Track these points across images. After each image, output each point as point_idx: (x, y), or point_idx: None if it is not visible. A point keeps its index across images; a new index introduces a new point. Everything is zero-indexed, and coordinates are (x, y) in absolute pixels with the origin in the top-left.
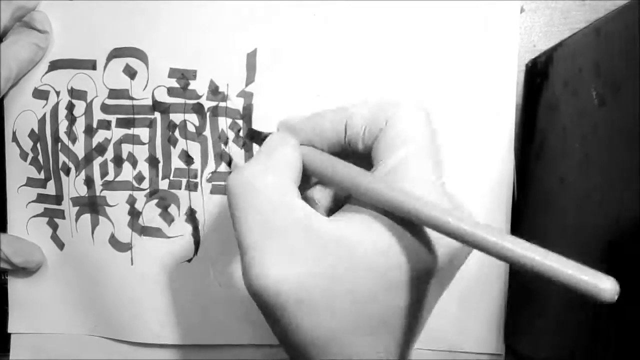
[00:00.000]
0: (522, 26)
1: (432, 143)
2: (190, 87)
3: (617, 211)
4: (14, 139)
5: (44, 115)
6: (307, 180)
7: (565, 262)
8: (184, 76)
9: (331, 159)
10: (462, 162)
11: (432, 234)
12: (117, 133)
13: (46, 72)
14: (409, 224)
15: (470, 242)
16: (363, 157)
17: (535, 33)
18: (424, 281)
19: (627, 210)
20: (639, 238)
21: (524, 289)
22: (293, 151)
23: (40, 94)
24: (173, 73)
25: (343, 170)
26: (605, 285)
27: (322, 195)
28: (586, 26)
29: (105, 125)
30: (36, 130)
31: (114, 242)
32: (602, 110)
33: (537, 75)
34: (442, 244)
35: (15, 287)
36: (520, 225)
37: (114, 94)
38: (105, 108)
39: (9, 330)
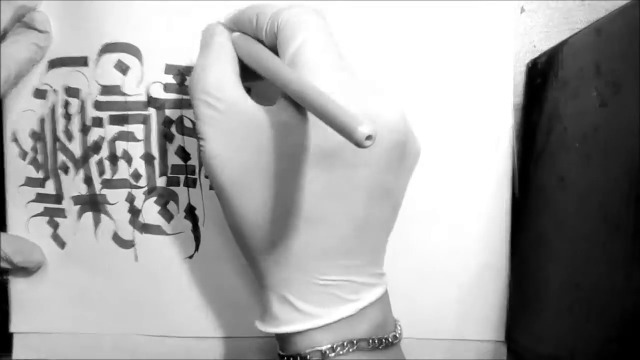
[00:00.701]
0: (522, 26)
1: (319, 33)
2: (186, 83)
3: (616, 211)
4: (14, 138)
5: (44, 114)
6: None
7: (333, 104)
8: (181, 72)
9: (255, 46)
10: (461, 163)
11: None
12: (110, 130)
13: (45, 72)
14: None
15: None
16: None
17: (536, 33)
18: (327, 164)
19: (626, 209)
20: (638, 238)
21: (524, 285)
22: (225, 41)
23: (40, 94)
24: (169, 69)
25: (260, 56)
26: (361, 129)
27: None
28: (586, 26)
29: (98, 122)
30: (37, 130)
31: (117, 239)
32: (602, 111)
33: (537, 75)
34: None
35: (17, 286)
36: (520, 224)
37: (106, 90)
38: (98, 105)
39: (11, 330)
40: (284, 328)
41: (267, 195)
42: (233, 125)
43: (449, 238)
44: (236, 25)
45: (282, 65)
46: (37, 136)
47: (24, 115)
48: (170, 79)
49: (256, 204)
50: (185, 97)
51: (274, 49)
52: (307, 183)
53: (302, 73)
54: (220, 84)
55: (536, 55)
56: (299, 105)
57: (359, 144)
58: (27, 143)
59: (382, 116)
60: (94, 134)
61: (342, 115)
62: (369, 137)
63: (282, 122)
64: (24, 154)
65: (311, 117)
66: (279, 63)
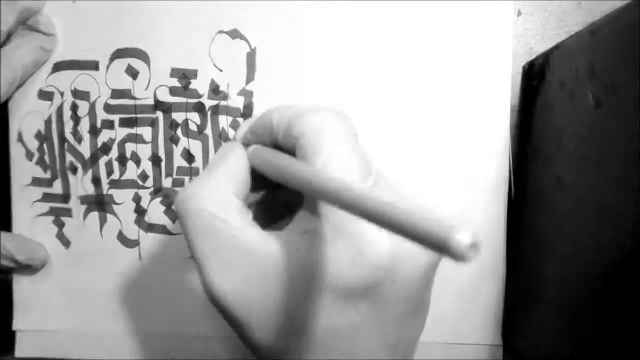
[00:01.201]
0: (519, 29)
1: (344, 146)
2: (191, 87)
3: (613, 212)
4: (20, 139)
5: (50, 116)
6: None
7: (409, 210)
8: (185, 76)
9: (275, 155)
10: (457, 164)
11: (361, 252)
12: (120, 132)
13: (50, 74)
14: (338, 240)
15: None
16: None
17: (532, 35)
18: (354, 300)
19: (624, 211)
20: (637, 238)
21: (522, 287)
22: (236, 160)
23: (46, 95)
24: (174, 73)
25: (280, 160)
26: (459, 238)
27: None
28: (582, 28)
29: (108, 125)
30: (42, 131)
31: (122, 238)
32: (598, 112)
33: (533, 77)
34: (372, 262)
35: (20, 284)
36: (516, 226)
37: (116, 94)
38: (108, 108)
39: (14, 328)
40: None
41: (284, 328)
42: (237, 260)
43: None
44: (253, 136)
45: (322, 174)
46: (43, 137)
47: (29, 116)
48: (175, 82)
49: (274, 339)
50: (190, 100)
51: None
52: (328, 319)
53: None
54: (223, 208)
55: (532, 57)
56: (319, 231)
57: (459, 258)
58: (33, 144)
59: None
60: (104, 135)
61: (426, 222)
62: (472, 245)
63: (297, 254)
64: (30, 155)
65: (333, 250)
66: (316, 172)
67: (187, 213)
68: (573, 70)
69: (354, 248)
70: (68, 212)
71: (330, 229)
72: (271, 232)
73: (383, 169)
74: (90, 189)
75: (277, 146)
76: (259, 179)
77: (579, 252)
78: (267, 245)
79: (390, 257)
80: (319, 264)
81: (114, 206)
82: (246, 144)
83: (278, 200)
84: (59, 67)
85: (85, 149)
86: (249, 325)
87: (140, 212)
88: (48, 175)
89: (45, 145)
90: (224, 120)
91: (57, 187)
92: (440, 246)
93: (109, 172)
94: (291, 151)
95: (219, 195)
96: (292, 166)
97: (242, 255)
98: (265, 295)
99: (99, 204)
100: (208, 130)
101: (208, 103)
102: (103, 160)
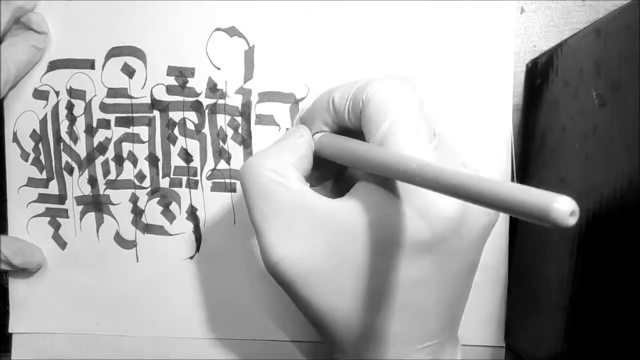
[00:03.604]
0: (522, 27)
1: (410, 109)
2: (188, 85)
3: (618, 212)
4: (15, 139)
5: (45, 115)
6: (327, 166)
7: (501, 185)
8: (182, 74)
9: (338, 139)
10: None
11: (429, 207)
12: (117, 132)
13: (45, 73)
14: (405, 197)
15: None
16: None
17: (536, 33)
18: (422, 254)
19: (628, 211)
20: (639, 238)
21: (525, 288)
22: (298, 138)
23: (40, 95)
24: (171, 71)
25: (344, 145)
26: (558, 206)
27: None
28: (586, 26)
29: (104, 124)
30: (38, 131)
31: (119, 239)
32: (602, 111)
33: (537, 75)
34: (441, 215)
35: (16, 287)
36: (519, 224)
37: (112, 92)
38: (104, 107)
39: (10, 331)
40: None
41: (352, 287)
42: (299, 221)
43: None
44: (312, 116)
45: (393, 152)
46: (38, 137)
47: (23, 116)
48: (172, 81)
49: (340, 299)
50: (187, 99)
51: (360, 134)
52: (400, 274)
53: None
54: (283, 172)
55: (536, 55)
56: (386, 191)
57: (561, 224)
58: (28, 144)
59: None
60: (100, 135)
61: (522, 194)
62: (572, 214)
63: (365, 214)
64: (25, 155)
65: (402, 206)
66: (387, 151)
67: (248, 178)
68: (577, 69)
69: (426, 202)
70: (64, 213)
71: (401, 187)
72: (338, 198)
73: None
74: (87, 190)
75: (338, 130)
76: (323, 169)
77: (582, 252)
78: (329, 205)
79: (457, 214)
80: (390, 220)
81: (111, 207)
82: None
83: (340, 184)
84: (54, 65)
85: (81, 149)
86: (312, 288)
87: (137, 212)
88: (44, 175)
89: (40, 145)
90: (222, 119)
91: (52, 188)
92: (541, 216)
93: (106, 172)
94: (355, 130)
95: (280, 162)
96: (361, 149)
97: (304, 214)
98: (330, 254)
99: (96, 204)
100: (206, 130)
101: (206, 102)
102: (99, 160)
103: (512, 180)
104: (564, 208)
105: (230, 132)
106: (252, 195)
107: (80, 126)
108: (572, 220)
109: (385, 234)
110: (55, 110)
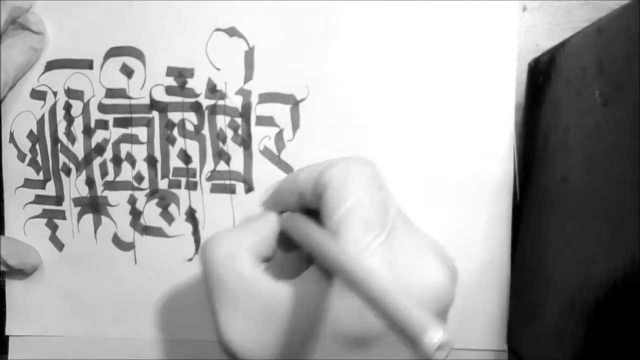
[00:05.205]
0: (525, 25)
1: (364, 199)
2: (188, 86)
3: (619, 212)
4: (12, 140)
5: (43, 116)
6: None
7: (394, 299)
8: (182, 74)
9: (299, 220)
10: (462, 163)
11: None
12: (115, 133)
13: (43, 73)
14: (345, 292)
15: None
16: None
17: (538, 32)
18: (358, 348)
19: (629, 210)
20: None
21: (527, 290)
22: (264, 221)
23: (38, 95)
24: (170, 71)
25: (302, 227)
26: (430, 336)
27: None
28: (589, 25)
29: (102, 125)
30: (35, 131)
31: (117, 241)
32: (605, 110)
33: (539, 74)
34: (372, 320)
35: (13, 288)
36: (521, 225)
37: (110, 93)
38: (102, 108)
39: (7, 333)
40: None
41: None
42: (247, 307)
43: (450, 240)
44: (277, 198)
45: (334, 245)
46: (35, 137)
47: (21, 116)
48: (171, 82)
49: None
50: (186, 100)
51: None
52: None
53: (347, 249)
54: (235, 258)
55: (538, 54)
56: (329, 282)
57: (425, 355)
58: (25, 144)
59: (430, 283)
60: (98, 136)
61: (406, 314)
62: (439, 348)
63: (308, 300)
64: (22, 156)
65: (341, 301)
66: (331, 243)
67: (204, 258)
68: (580, 68)
69: (358, 301)
70: (61, 215)
71: (340, 282)
72: (282, 280)
73: (403, 206)
74: (84, 191)
75: (306, 210)
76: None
77: (585, 253)
78: (276, 292)
79: None
80: (327, 313)
81: (109, 208)
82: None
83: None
84: (51, 66)
85: (79, 150)
86: None
87: (135, 214)
88: (41, 176)
89: (37, 146)
90: (221, 120)
91: (50, 189)
92: (412, 339)
93: (104, 174)
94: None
95: (235, 245)
96: (311, 236)
97: (252, 300)
98: (276, 339)
99: (93, 206)
100: (205, 131)
101: (205, 103)
102: (97, 161)
103: (514, 179)
104: (431, 341)
105: (230, 133)
106: (207, 276)
107: (78, 127)
108: (440, 355)
109: (320, 325)
110: (52, 111)
